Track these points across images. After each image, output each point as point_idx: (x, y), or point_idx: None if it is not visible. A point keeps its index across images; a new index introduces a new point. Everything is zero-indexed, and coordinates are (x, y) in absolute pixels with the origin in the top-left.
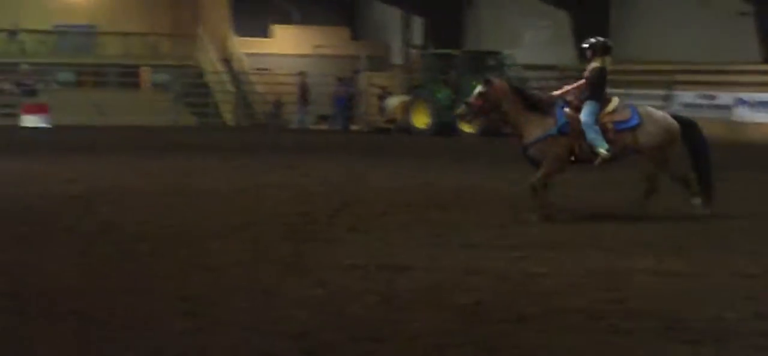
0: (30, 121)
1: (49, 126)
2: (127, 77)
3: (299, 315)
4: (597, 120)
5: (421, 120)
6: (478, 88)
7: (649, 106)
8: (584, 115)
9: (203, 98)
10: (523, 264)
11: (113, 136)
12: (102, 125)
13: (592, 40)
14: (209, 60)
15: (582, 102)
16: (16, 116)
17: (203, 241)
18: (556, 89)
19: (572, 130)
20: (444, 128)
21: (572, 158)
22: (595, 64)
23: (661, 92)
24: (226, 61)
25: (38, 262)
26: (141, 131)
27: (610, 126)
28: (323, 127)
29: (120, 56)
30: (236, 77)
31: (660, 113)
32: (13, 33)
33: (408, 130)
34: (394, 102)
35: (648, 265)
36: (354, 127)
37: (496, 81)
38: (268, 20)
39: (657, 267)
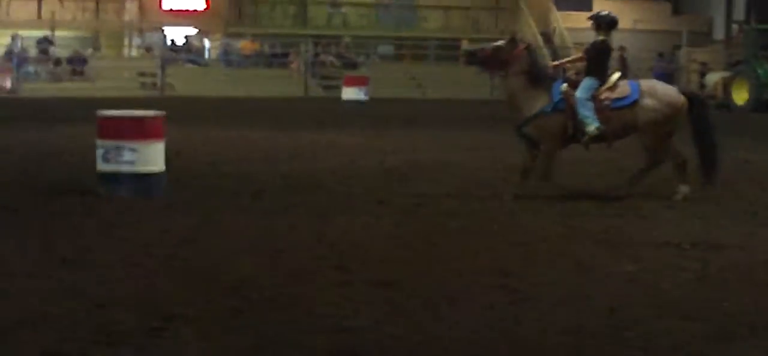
0: (350, 93)
1: (367, 98)
2: (447, 50)
3: (610, 290)
4: (593, 96)
5: (740, 96)
6: (499, 42)
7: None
8: (580, 91)
9: None
10: None
11: (431, 109)
12: (420, 98)
13: (599, 12)
14: (530, 34)
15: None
16: (337, 88)
17: (516, 216)
18: None
19: (567, 107)
20: (764, 104)
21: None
22: (602, 38)
23: None
24: (546, 34)
25: (357, 233)
26: (459, 105)
27: (606, 103)
28: None
29: (440, 30)
30: (556, 51)
31: (664, 86)
32: (336, 6)
33: (727, 106)
34: (714, 78)
35: None
36: None
37: (522, 43)
38: None
39: None
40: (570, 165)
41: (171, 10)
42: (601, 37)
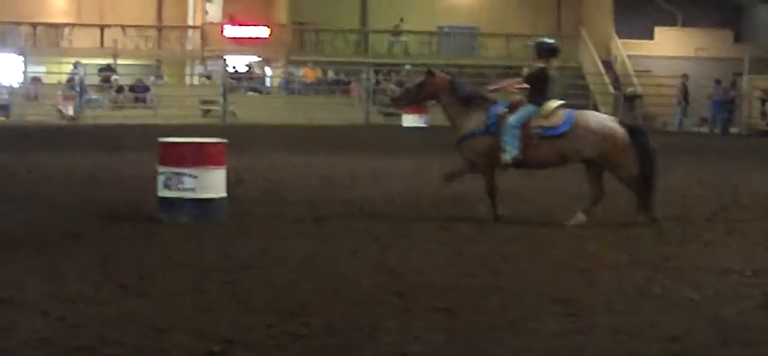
0: (410, 120)
1: (427, 125)
2: (508, 78)
3: (672, 318)
4: (526, 124)
5: None
6: (419, 79)
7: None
8: (514, 117)
9: (582, 99)
10: None
11: None
12: None
13: (540, 40)
14: (591, 61)
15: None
16: (398, 116)
17: (577, 243)
18: None
19: (501, 131)
20: None
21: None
22: (537, 65)
23: None
24: (607, 62)
25: (417, 260)
26: None
27: (537, 131)
28: (703, 129)
29: (501, 57)
30: (617, 78)
31: (599, 119)
32: (397, 34)
33: None
34: None
35: None
36: (733, 130)
37: (438, 74)
38: (651, 22)
39: None
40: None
41: (233, 38)
42: (540, 65)
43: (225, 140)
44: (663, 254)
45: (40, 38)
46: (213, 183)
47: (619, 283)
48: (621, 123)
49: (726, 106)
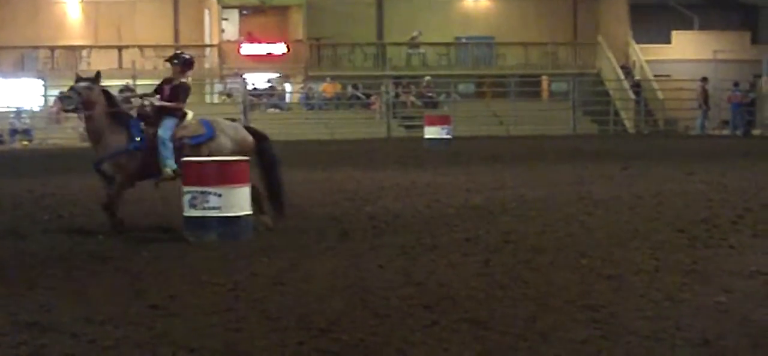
0: (432, 132)
1: (449, 137)
2: (527, 87)
3: (702, 322)
4: (173, 136)
5: None
6: (83, 83)
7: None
8: (163, 131)
9: (603, 106)
10: None
11: (513, 145)
12: (502, 135)
13: (179, 53)
14: (609, 67)
15: (158, 116)
16: (419, 128)
17: (604, 249)
18: None
19: (150, 146)
20: None
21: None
22: (182, 80)
23: None
24: (626, 67)
25: (444, 272)
26: (540, 140)
27: (186, 142)
28: (724, 132)
29: (520, 66)
30: (636, 84)
31: (232, 125)
32: (414, 46)
33: None
34: None
35: None
36: (755, 132)
37: (96, 87)
38: (668, 26)
39: None
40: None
41: (250, 55)
42: (184, 79)
43: (248, 158)
44: (691, 258)
45: (59, 61)
46: (238, 201)
47: (648, 289)
48: (247, 129)
49: (745, 108)
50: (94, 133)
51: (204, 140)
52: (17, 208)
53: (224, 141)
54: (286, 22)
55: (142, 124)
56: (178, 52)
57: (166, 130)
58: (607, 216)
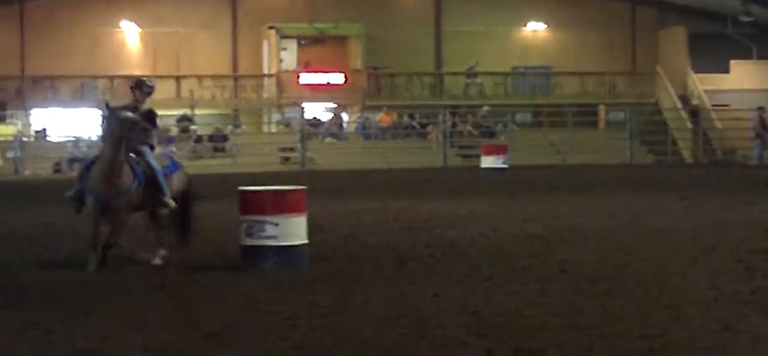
0: (489, 161)
1: (506, 166)
2: (584, 116)
3: (761, 352)
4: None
5: None
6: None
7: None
8: (154, 163)
9: (660, 135)
10: None
11: (570, 174)
12: (559, 164)
13: (145, 81)
14: (667, 97)
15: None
16: (476, 157)
17: (661, 279)
18: None
19: (147, 180)
20: None
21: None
22: (148, 107)
23: None
24: (684, 97)
25: (501, 301)
26: (597, 170)
27: (164, 172)
28: None
29: (577, 96)
30: (694, 113)
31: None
32: (472, 76)
33: None
34: None
35: None
36: None
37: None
38: (726, 56)
39: None
40: None
41: (308, 85)
42: (148, 106)
43: (305, 187)
44: (749, 288)
45: (118, 91)
46: (294, 230)
47: (705, 319)
48: None
49: None
50: (112, 168)
51: (171, 171)
52: (76, 236)
53: (182, 173)
54: (344, 52)
55: (133, 155)
56: (143, 79)
57: (155, 162)
58: (665, 245)
